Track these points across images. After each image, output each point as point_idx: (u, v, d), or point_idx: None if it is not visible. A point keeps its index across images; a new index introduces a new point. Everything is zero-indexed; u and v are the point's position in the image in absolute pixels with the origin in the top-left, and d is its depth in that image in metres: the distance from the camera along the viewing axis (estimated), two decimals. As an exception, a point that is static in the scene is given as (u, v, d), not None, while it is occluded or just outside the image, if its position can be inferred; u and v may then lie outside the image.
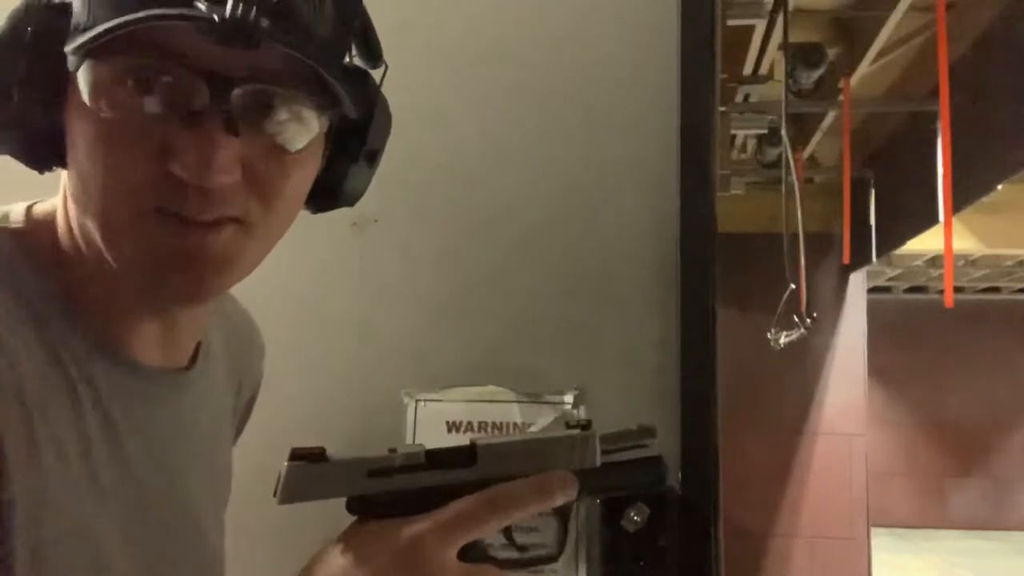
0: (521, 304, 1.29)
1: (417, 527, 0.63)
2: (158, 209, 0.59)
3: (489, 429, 1.26)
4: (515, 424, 1.25)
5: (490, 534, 0.65)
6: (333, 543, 0.64)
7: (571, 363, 1.27)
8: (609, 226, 1.29)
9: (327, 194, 0.73)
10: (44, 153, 0.63)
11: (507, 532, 0.68)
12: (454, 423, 1.26)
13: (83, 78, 0.58)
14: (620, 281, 1.28)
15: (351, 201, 0.77)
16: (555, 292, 1.28)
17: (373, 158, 0.74)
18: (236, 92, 0.58)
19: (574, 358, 1.27)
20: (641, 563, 1.21)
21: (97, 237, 0.61)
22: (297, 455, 0.65)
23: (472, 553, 0.64)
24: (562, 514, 0.69)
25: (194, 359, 0.74)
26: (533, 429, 1.25)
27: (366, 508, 0.65)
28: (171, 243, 0.60)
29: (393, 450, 0.67)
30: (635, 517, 1.20)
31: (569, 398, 1.25)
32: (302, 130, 0.63)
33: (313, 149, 0.66)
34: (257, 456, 1.32)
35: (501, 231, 1.30)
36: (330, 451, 0.66)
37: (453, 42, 1.33)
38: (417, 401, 1.27)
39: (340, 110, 0.64)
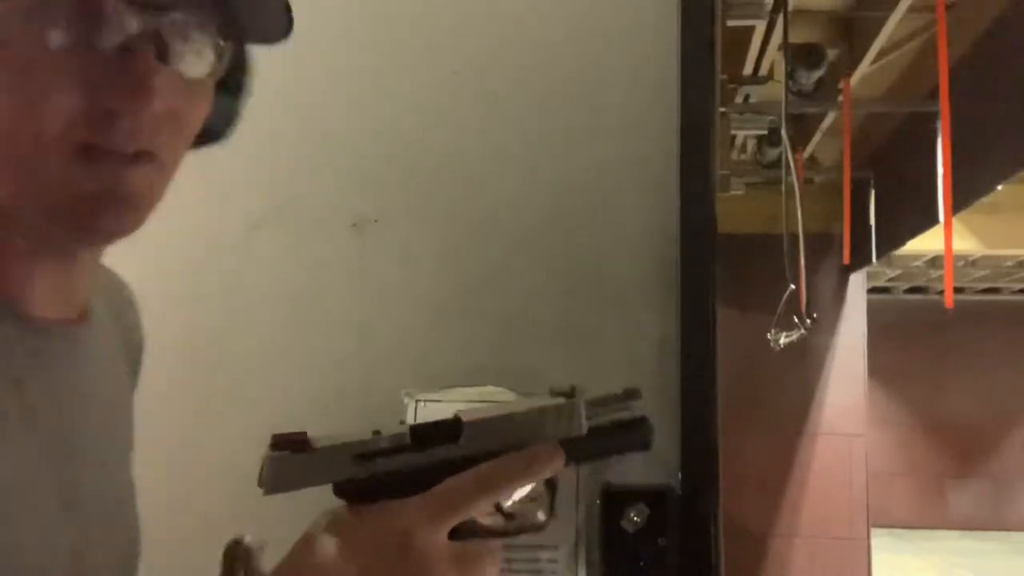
0: (521, 304, 1.29)
1: (407, 513, 0.62)
2: (81, 145, 0.57)
3: (489, 429, 1.26)
4: (515, 424, 1.25)
5: (480, 512, 0.65)
6: (320, 529, 0.62)
7: (571, 363, 1.27)
8: (609, 226, 1.29)
9: (206, 131, 0.70)
10: None
11: (498, 504, 0.67)
12: (454, 423, 1.26)
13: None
14: (620, 281, 1.28)
15: (224, 139, 0.75)
16: (555, 292, 1.28)
17: (239, 92, 0.73)
18: (166, 19, 0.58)
19: (574, 358, 1.27)
20: (641, 563, 1.21)
21: (5, 180, 0.59)
22: (279, 443, 0.63)
23: (464, 533, 0.64)
24: (550, 483, 0.70)
25: (85, 314, 0.71)
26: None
27: (354, 492, 0.64)
28: (95, 179, 0.59)
29: (377, 432, 0.66)
30: (635, 517, 1.20)
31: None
32: (203, 60, 0.62)
33: (209, 82, 0.65)
34: (256, 455, 1.32)
35: (501, 231, 1.30)
36: (312, 434, 0.64)
37: (453, 42, 1.33)
38: (417, 401, 1.27)
39: (232, 42, 0.64)
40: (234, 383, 1.32)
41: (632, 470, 1.25)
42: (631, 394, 0.70)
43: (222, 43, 0.63)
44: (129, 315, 0.86)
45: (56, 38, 0.56)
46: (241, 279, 1.32)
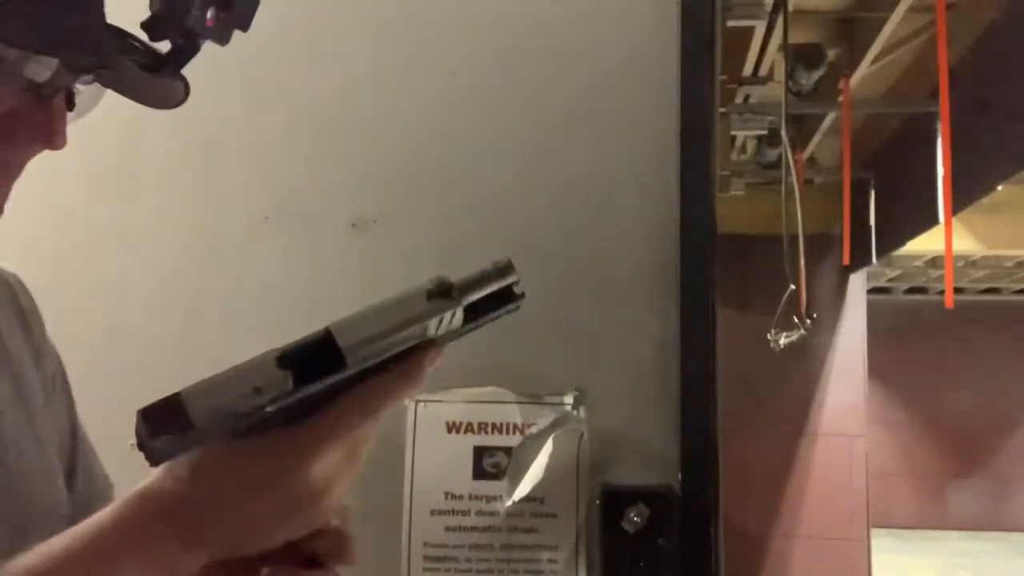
0: (521, 304, 1.28)
1: (292, 437, 0.60)
2: None
3: (489, 430, 1.26)
4: (515, 425, 1.25)
5: (357, 429, 0.62)
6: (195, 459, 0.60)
7: (571, 364, 1.27)
8: (609, 227, 1.29)
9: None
10: None
11: None
12: (454, 424, 1.26)
13: None
14: (620, 281, 1.28)
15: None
16: (555, 293, 1.28)
17: None
18: (85, 77, 0.66)
19: (574, 359, 1.27)
20: (641, 563, 1.21)
21: None
22: (155, 424, 0.57)
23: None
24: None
25: None
26: (532, 431, 1.25)
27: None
28: None
29: (259, 388, 0.61)
30: (635, 517, 1.20)
31: (569, 399, 1.25)
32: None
33: None
34: (257, 456, 1.32)
35: (501, 232, 1.30)
36: (184, 394, 0.60)
37: (452, 42, 1.33)
38: (417, 402, 1.27)
39: None
40: (234, 383, 1.31)
41: (632, 470, 1.25)
42: (504, 269, 0.68)
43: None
44: (12, 294, 0.85)
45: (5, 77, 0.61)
46: (241, 279, 1.32)
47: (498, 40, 1.33)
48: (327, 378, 0.61)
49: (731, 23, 3.72)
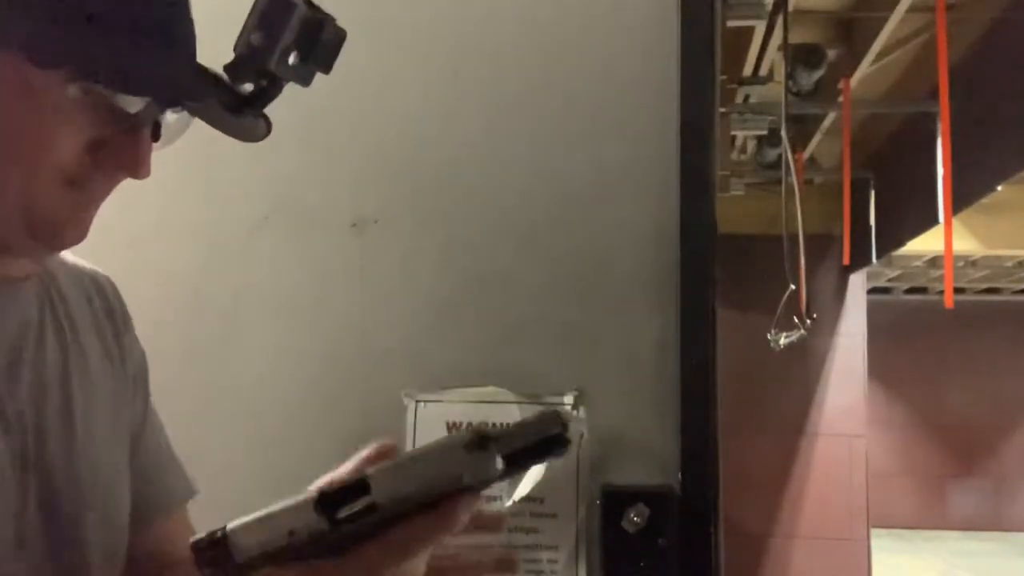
0: (521, 305, 1.29)
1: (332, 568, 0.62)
2: (70, 179, 0.68)
3: (489, 429, 1.25)
4: (515, 424, 1.25)
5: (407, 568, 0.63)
6: None
7: (571, 364, 1.27)
8: (609, 226, 1.29)
9: None
10: None
11: None
12: (454, 424, 1.26)
13: (44, 74, 0.64)
14: (620, 282, 1.28)
15: None
16: (555, 292, 1.28)
17: None
18: (171, 112, 0.70)
19: (574, 359, 1.27)
20: (641, 563, 1.21)
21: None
22: (202, 560, 0.63)
23: None
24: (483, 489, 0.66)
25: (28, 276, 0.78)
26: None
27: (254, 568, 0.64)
28: (70, 208, 0.69)
29: (292, 532, 0.63)
30: (635, 518, 1.20)
31: (569, 399, 1.25)
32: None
33: None
34: (257, 456, 1.32)
35: (501, 231, 1.30)
36: (230, 527, 0.64)
37: (453, 42, 1.33)
38: (417, 402, 1.27)
39: None
40: (234, 384, 1.32)
41: (632, 470, 1.25)
42: (545, 422, 0.66)
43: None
44: (102, 295, 0.89)
45: (78, 105, 0.65)
46: (242, 279, 1.32)
47: (499, 40, 1.33)
48: (360, 521, 0.63)
49: (731, 23, 3.72)
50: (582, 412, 1.25)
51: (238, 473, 1.25)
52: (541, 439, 0.65)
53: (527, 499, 1.24)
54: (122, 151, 0.69)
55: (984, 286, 10.39)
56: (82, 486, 0.76)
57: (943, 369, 11.38)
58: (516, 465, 0.65)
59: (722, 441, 1.24)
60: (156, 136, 0.71)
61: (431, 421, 1.26)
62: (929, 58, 4.07)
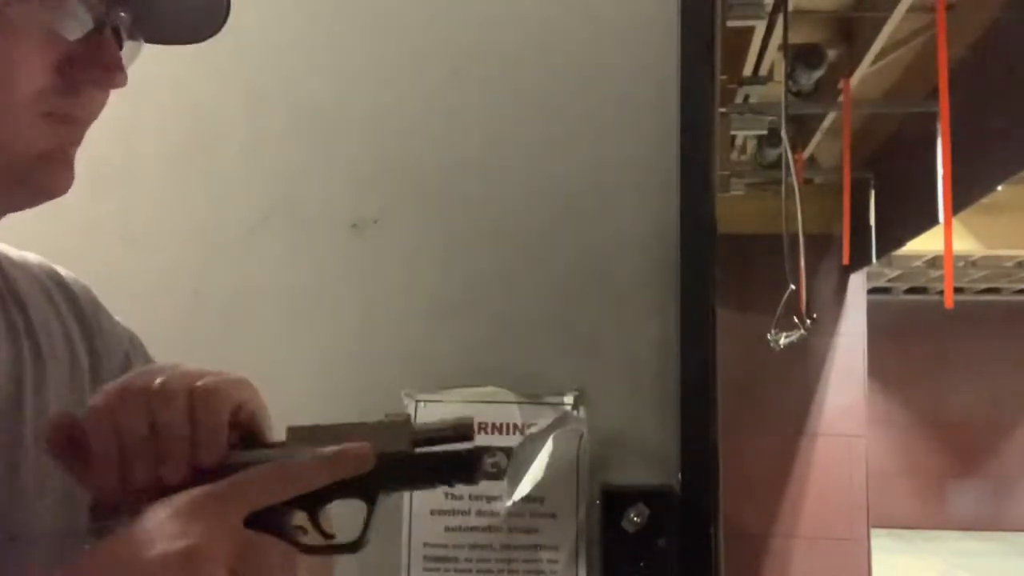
0: (521, 305, 1.29)
1: (202, 489, 0.62)
2: (46, 112, 0.66)
3: (489, 430, 1.26)
4: (515, 425, 1.25)
5: (274, 500, 0.63)
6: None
7: (571, 364, 1.27)
8: (609, 226, 1.29)
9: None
10: None
11: (312, 516, 0.65)
12: (454, 423, 1.26)
13: None
14: (620, 282, 1.28)
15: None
16: (555, 293, 1.28)
17: None
18: (124, 11, 0.68)
19: (574, 359, 1.27)
20: (641, 563, 1.21)
21: None
22: None
23: (264, 524, 0.62)
24: (370, 498, 0.66)
25: None
26: (532, 431, 1.25)
27: None
28: (52, 141, 0.67)
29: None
30: (635, 517, 1.20)
31: (569, 399, 1.25)
32: (135, 52, 0.73)
33: None
34: (257, 456, 1.31)
35: (501, 232, 1.30)
36: None
37: (453, 42, 1.33)
38: (417, 402, 1.27)
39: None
40: (234, 383, 1.32)
41: (632, 470, 1.25)
42: (461, 430, 0.67)
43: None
44: (65, 294, 0.85)
45: (38, 20, 0.63)
46: (241, 279, 1.32)
47: (498, 40, 1.33)
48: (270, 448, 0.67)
49: (731, 23, 3.72)
50: (582, 412, 1.25)
51: (238, 473, 1.25)
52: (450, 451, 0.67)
53: (527, 499, 1.24)
54: (92, 61, 0.66)
55: (984, 286, 10.39)
56: (27, 496, 0.72)
57: (943, 369, 11.38)
58: (423, 463, 0.67)
59: (722, 441, 1.24)
60: (120, 42, 0.68)
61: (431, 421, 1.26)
62: (929, 58, 4.07)
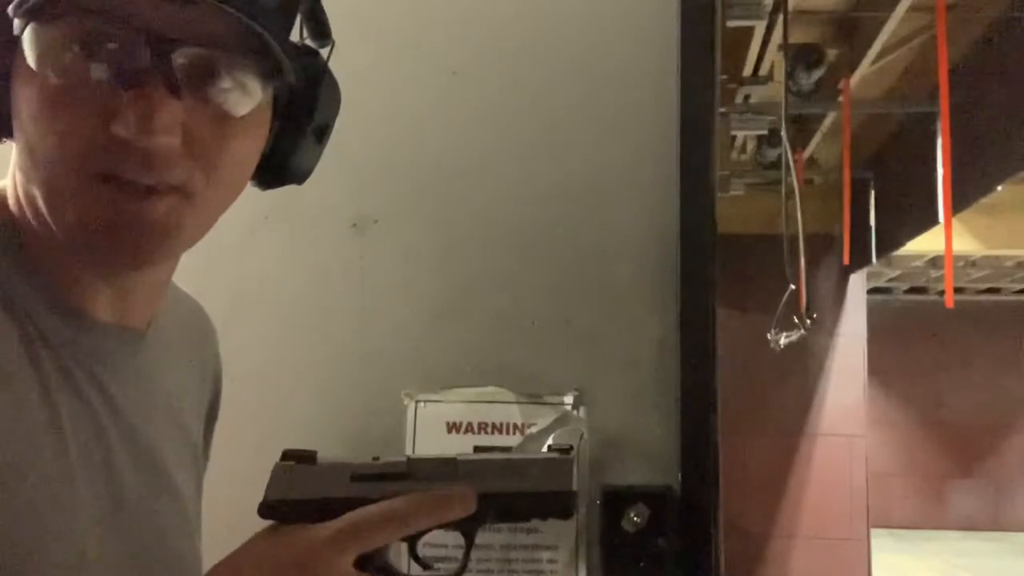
0: (521, 305, 1.29)
1: (315, 533, 0.64)
2: (101, 175, 0.60)
3: (489, 430, 1.26)
4: (515, 425, 1.25)
5: (385, 542, 0.66)
6: (239, 550, 0.66)
7: (571, 364, 1.27)
8: (609, 226, 1.29)
9: (274, 169, 0.73)
10: None
11: (411, 547, 0.69)
12: (454, 424, 1.26)
13: (28, 42, 0.58)
14: (620, 281, 1.28)
15: (299, 178, 0.78)
16: (555, 292, 1.28)
17: (322, 134, 0.76)
18: (177, 54, 0.59)
19: (574, 359, 1.27)
20: (641, 563, 1.21)
21: (41, 205, 0.61)
22: (288, 455, 0.69)
23: (372, 564, 0.65)
24: (467, 533, 0.71)
25: (148, 325, 0.74)
26: (532, 431, 1.25)
27: (277, 513, 0.68)
28: (111, 209, 0.60)
29: (376, 458, 0.69)
30: (635, 518, 1.20)
31: (569, 399, 1.25)
32: (244, 97, 0.63)
33: (257, 119, 0.66)
34: (256, 456, 1.32)
35: (501, 231, 1.30)
36: (322, 455, 0.69)
37: (453, 44, 1.33)
38: (417, 402, 1.27)
39: (284, 80, 0.65)
40: (234, 384, 1.31)
41: (632, 470, 1.25)
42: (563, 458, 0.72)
43: (258, 82, 0.64)
44: (203, 344, 0.89)
45: (96, 70, 0.58)
46: (242, 279, 1.32)
47: (498, 40, 1.33)
48: (436, 480, 0.70)
49: (731, 23, 3.72)
50: (582, 412, 1.25)
51: (237, 474, 1.25)
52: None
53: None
54: (127, 112, 0.59)
55: (984, 286, 10.39)
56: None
57: (943, 369, 11.37)
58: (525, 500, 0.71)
59: (722, 441, 1.24)
60: (175, 88, 0.60)
61: (431, 421, 1.26)
62: (929, 58, 4.07)
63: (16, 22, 0.59)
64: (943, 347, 11.22)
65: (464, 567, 0.70)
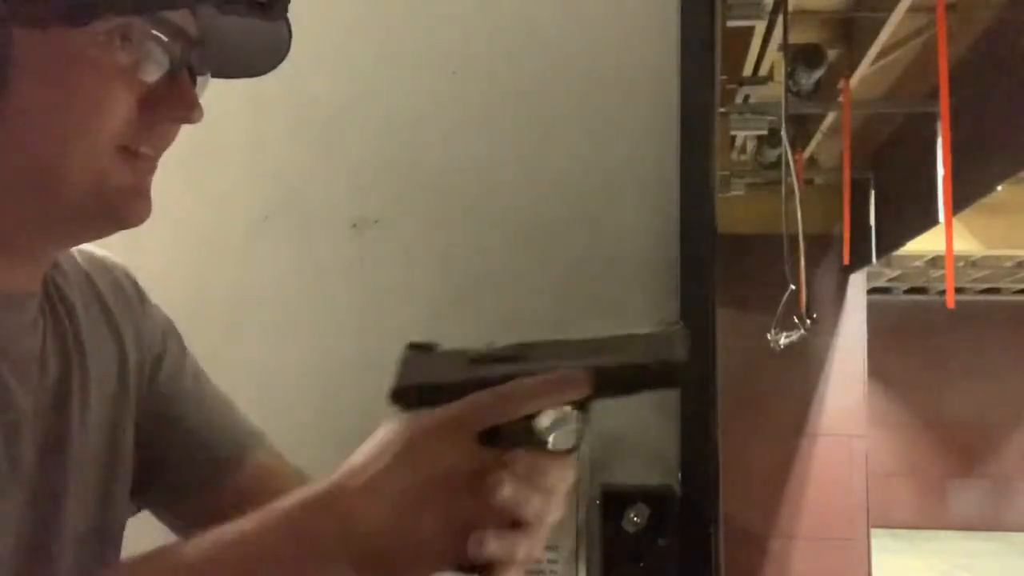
0: (521, 304, 1.29)
1: (441, 413, 0.68)
2: (121, 147, 0.69)
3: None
4: (515, 424, 1.25)
5: (504, 420, 0.69)
6: (370, 441, 0.70)
7: (571, 363, 1.27)
8: (609, 226, 1.29)
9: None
10: None
11: (528, 426, 0.72)
12: (454, 423, 1.26)
13: (78, 36, 0.65)
14: (620, 281, 1.28)
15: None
16: (555, 292, 1.28)
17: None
18: (196, 51, 0.71)
19: (574, 358, 1.27)
20: (641, 563, 1.21)
21: (44, 174, 0.67)
22: (412, 346, 0.76)
23: (498, 438, 0.68)
24: (582, 409, 0.75)
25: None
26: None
27: (404, 399, 0.73)
28: (129, 177, 0.70)
29: (491, 343, 0.74)
30: (635, 517, 1.20)
31: (569, 398, 1.25)
32: (205, 85, 0.76)
33: None
34: (257, 456, 1.32)
35: (501, 231, 1.30)
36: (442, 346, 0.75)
37: (453, 45, 1.33)
38: (417, 401, 1.26)
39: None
40: (234, 384, 1.31)
41: (632, 470, 1.25)
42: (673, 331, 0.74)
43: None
44: (120, 294, 0.89)
45: (121, 63, 0.67)
46: (242, 280, 1.32)
47: (498, 40, 1.33)
48: (551, 359, 0.74)
49: (731, 23, 3.72)
50: (582, 412, 1.25)
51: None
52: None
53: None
54: (170, 99, 0.70)
55: (984, 286, 10.39)
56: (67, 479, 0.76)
57: (943, 369, 11.37)
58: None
59: (722, 441, 1.24)
60: (194, 79, 0.72)
61: (431, 421, 1.26)
62: (929, 58, 4.07)
63: (68, 13, 0.64)
64: (943, 347, 11.21)
65: (578, 444, 0.74)
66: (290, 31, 0.75)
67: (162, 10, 0.67)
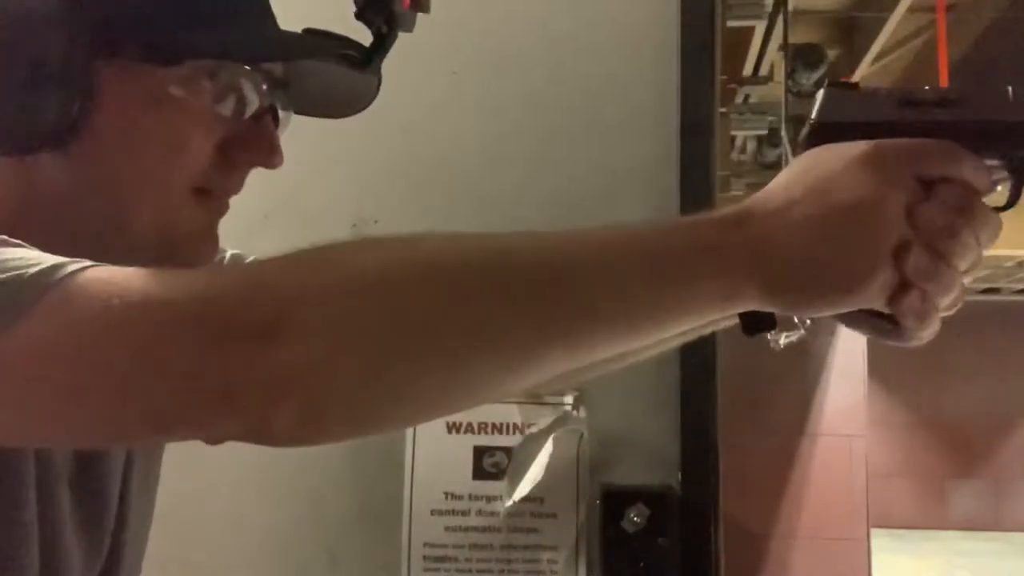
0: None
1: (881, 142, 0.62)
2: (196, 189, 0.67)
3: (489, 430, 1.26)
4: (515, 425, 1.25)
5: (939, 174, 0.62)
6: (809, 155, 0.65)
7: (571, 363, 1.27)
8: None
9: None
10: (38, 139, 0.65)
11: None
12: (454, 424, 1.26)
13: (163, 73, 0.64)
14: (620, 281, 1.28)
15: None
16: (555, 292, 1.28)
17: None
18: (281, 92, 0.71)
19: (574, 358, 1.27)
20: (641, 563, 1.21)
21: (115, 211, 0.65)
22: (833, 83, 0.70)
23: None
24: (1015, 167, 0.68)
25: None
26: (532, 431, 1.25)
27: (824, 135, 0.68)
28: (203, 218, 0.69)
29: (926, 87, 0.67)
30: (635, 518, 1.20)
31: (569, 399, 1.25)
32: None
33: None
34: (257, 456, 1.31)
35: (501, 232, 1.30)
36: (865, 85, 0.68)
37: (453, 45, 1.33)
38: (417, 401, 1.27)
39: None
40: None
41: (632, 470, 1.25)
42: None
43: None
44: None
45: (207, 101, 0.66)
46: (241, 279, 1.32)
47: (498, 40, 1.33)
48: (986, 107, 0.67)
49: (731, 23, 3.72)
50: (582, 412, 1.25)
51: (237, 473, 1.25)
52: None
53: (527, 499, 1.24)
54: (253, 141, 0.69)
55: (984, 286, 10.39)
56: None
57: (943, 369, 11.37)
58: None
59: (722, 441, 1.24)
60: (277, 120, 0.71)
61: (431, 421, 1.26)
62: (929, 58, 4.07)
63: (165, 53, 0.64)
64: (943, 347, 11.17)
65: (1016, 199, 0.68)
66: (380, 80, 0.76)
67: (257, 61, 0.67)
